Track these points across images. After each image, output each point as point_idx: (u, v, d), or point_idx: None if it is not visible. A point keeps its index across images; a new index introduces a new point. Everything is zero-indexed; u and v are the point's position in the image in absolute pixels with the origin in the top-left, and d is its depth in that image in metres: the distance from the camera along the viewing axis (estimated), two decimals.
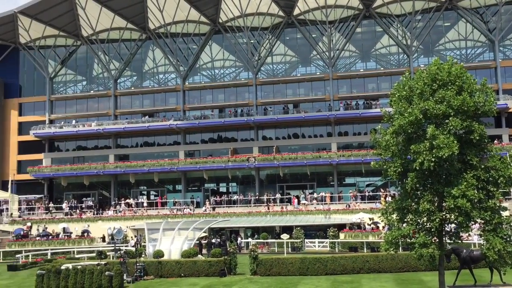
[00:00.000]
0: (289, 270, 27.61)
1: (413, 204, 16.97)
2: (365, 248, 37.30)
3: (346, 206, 48.55)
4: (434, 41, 58.60)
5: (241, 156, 55.80)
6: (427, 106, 16.35)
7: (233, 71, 62.92)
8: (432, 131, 15.85)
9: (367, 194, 50.90)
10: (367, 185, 56.00)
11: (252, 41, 60.26)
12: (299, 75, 60.50)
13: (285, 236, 37.39)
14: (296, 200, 50.41)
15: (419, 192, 16.94)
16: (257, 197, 53.26)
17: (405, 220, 17.38)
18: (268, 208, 49.25)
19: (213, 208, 50.50)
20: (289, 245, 39.60)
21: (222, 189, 60.68)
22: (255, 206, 51.40)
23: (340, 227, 43.94)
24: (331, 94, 57.85)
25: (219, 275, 27.62)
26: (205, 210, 50.36)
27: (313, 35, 59.50)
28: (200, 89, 62.18)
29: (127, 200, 55.26)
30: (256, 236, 44.37)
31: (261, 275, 27.53)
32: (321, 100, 58.89)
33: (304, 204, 49.52)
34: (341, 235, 41.36)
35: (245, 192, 56.49)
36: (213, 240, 39.34)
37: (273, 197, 52.50)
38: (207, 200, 53.74)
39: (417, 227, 17.03)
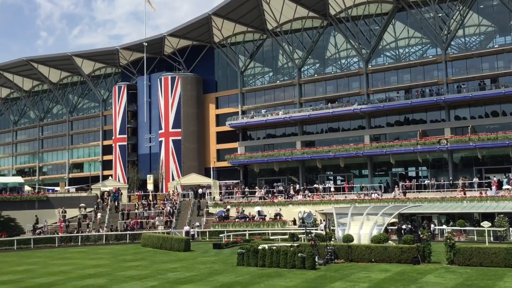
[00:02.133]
0: (492, 261, 25.09)
1: None
2: None
3: None
4: None
5: (431, 139, 52.57)
6: None
7: (419, 49, 59.40)
8: None
9: None
10: None
11: (440, 15, 55.97)
12: (496, 46, 54.20)
13: (486, 224, 34.05)
14: (497, 185, 45.49)
15: None
16: (451, 182, 49.63)
17: None
18: (464, 194, 45.44)
19: (404, 194, 48.57)
20: (491, 234, 36.06)
21: (411, 173, 58.06)
22: (448, 191, 47.91)
23: None
24: None
25: (412, 263, 26.51)
26: (395, 195, 48.77)
27: None
28: (384, 71, 60.22)
29: (315, 185, 56.66)
30: (451, 223, 41.45)
31: (459, 265, 25.60)
32: None
33: (508, 189, 44.39)
34: None
35: (436, 176, 53.10)
36: (404, 226, 37.95)
37: (469, 182, 48.31)
38: (396, 185, 52.01)
39: None
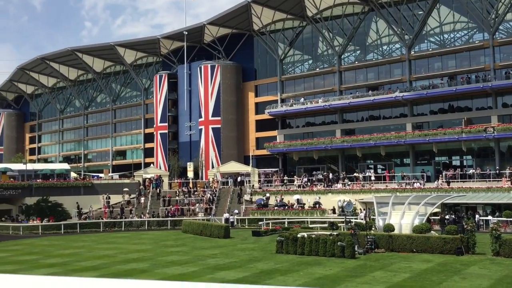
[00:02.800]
0: None
1: None
2: None
3: None
4: None
5: (476, 127, 50.89)
6: None
7: (465, 34, 57.36)
8: None
9: None
10: None
11: None
12: None
13: None
14: None
15: None
16: (497, 171, 47.98)
17: None
18: (511, 183, 43.88)
19: (448, 183, 47.33)
20: None
21: (455, 162, 56.45)
22: (494, 181, 46.36)
23: None
24: None
25: (455, 253, 25.90)
26: (438, 185, 47.62)
27: None
28: (428, 57, 58.54)
29: (354, 174, 56.01)
30: (497, 213, 40.17)
31: (504, 257, 24.82)
32: None
33: None
34: None
35: (481, 165, 51.47)
36: (447, 217, 37.05)
37: None
38: (439, 174, 50.73)
39: None
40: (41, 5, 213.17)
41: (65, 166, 67.67)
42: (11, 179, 55.64)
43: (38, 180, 56.04)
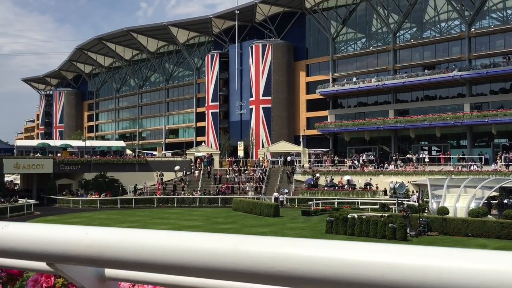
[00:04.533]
0: None
1: None
2: None
3: None
4: None
5: None
6: None
7: None
8: None
9: None
10: None
11: None
12: None
13: None
14: None
15: None
16: None
17: None
18: None
19: (507, 166, 45.36)
20: None
21: None
22: None
23: None
24: None
25: None
26: (496, 168, 45.73)
27: None
28: (489, 34, 55.72)
29: (408, 155, 54.70)
30: None
31: None
32: None
33: None
34: None
35: None
36: (505, 201, 35.60)
37: None
38: (498, 157, 48.67)
39: None
40: None
41: (121, 143, 69.95)
42: (72, 155, 58.22)
43: (96, 157, 58.34)
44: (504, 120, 50.19)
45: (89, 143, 64.67)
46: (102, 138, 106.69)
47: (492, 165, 47.51)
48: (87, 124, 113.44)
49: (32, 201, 44.49)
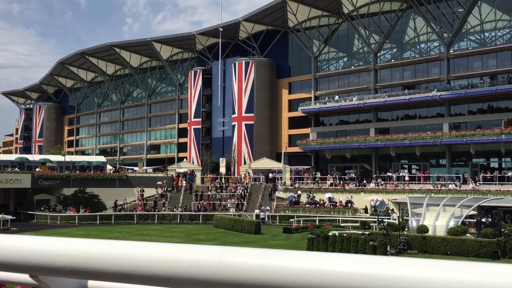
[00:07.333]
0: None
1: None
2: None
3: None
4: None
5: None
6: None
7: (507, 33, 55.65)
8: None
9: None
10: None
11: None
12: None
13: None
14: None
15: None
16: None
17: None
18: None
19: (485, 185, 46.10)
20: None
21: (494, 164, 54.92)
22: None
23: None
24: None
25: (491, 257, 25.30)
26: (474, 187, 46.46)
27: None
28: (467, 56, 57.07)
29: (388, 174, 55.23)
30: None
31: None
32: None
33: None
34: None
35: None
36: (483, 220, 36.11)
37: None
38: (476, 176, 49.47)
39: None
40: (85, 1, 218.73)
41: (102, 158, 69.26)
42: (50, 170, 57.35)
43: (76, 172, 57.58)
44: (482, 140, 51.13)
45: (68, 158, 63.84)
46: (83, 153, 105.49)
47: (470, 184, 48.24)
48: (67, 139, 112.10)
49: (8, 217, 43.60)
